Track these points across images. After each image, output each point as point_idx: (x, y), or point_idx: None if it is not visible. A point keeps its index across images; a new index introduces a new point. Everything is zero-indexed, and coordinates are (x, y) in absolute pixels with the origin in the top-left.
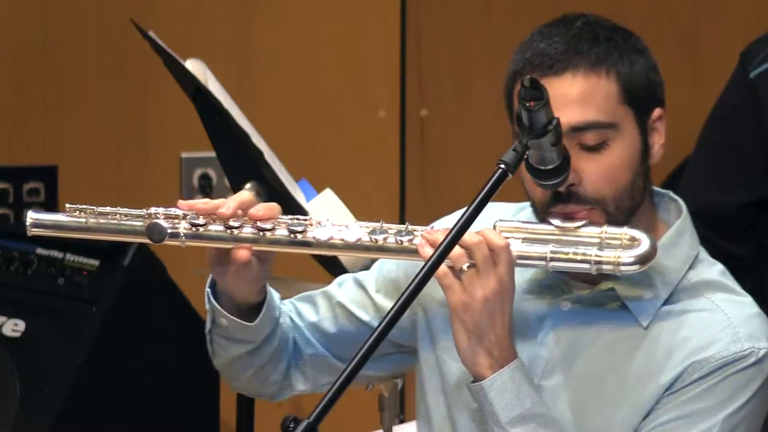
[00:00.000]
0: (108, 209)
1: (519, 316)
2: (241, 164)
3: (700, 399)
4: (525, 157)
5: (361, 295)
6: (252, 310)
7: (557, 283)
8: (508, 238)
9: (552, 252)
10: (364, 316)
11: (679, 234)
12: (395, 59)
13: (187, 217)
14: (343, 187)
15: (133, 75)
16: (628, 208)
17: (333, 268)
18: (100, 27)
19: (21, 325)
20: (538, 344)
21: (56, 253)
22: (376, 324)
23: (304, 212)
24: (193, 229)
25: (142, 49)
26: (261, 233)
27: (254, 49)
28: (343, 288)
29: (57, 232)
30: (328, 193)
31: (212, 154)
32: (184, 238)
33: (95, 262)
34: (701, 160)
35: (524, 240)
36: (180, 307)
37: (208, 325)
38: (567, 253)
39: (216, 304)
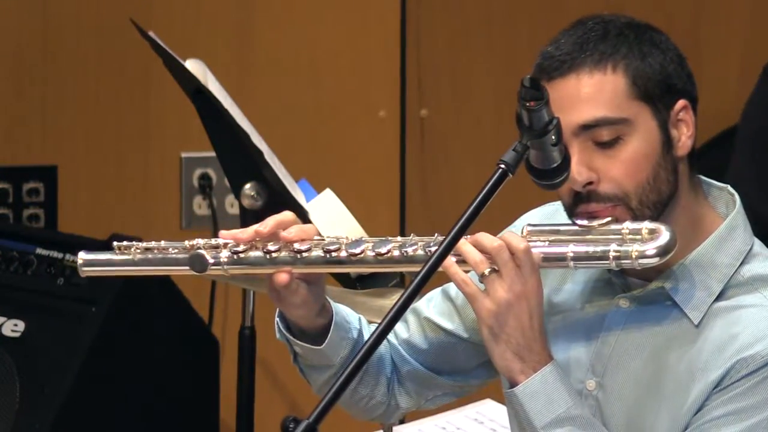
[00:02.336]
0: (153, 243)
1: (583, 315)
2: (241, 164)
3: (748, 396)
4: (525, 157)
5: (447, 304)
6: (321, 332)
7: (618, 282)
8: (532, 241)
9: (573, 251)
10: (449, 326)
11: (731, 228)
12: (395, 59)
13: (228, 245)
14: (342, 188)
15: (133, 75)
16: (655, 201)
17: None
18: (99, 27)
19: (21, 325)
20: (600, 343)
21: (56, 253)
22: (461, 332)
23: (304, 212)
24: (234, 256)
25: (142, 49)
26: (297, 255)
27: (254, 49)
28: (430, 302)
29: (107, 270)
30: (327, 194)
31: (212, 154)
32: (225, 266)
33: None
34: (742, 174)
35: (550, 242)
36: (179, 307)
37: (291, 357)
38: (587, 252)
39: (285, 332)
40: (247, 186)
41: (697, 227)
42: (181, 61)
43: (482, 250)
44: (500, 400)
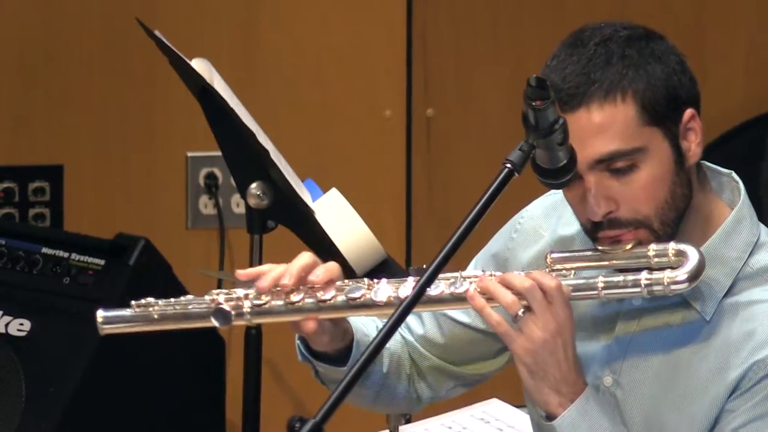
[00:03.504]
0: (172, 300)
1: (596, 311)
2: (247, 163)
3: None
4: (531, 156)
5: None
6: (344, 352)
7: None
8: (557, 270)
9: (603, 282)
10: (466, 319)
11: (737, 221)
12: (401, 59)
13: (249, 296)
14: (349, 187)
15: (139, 74)
16: (674, 219)
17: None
18: (105, 26)
19: (27, 325)
20: (615, 339)
21: (61, 253)
22: (479, 325)
23: (310, 212)
24: (256, 307)
25: (147, 49)
26: (322, 303)
27: (260, 49)
28: None
29: (127, 327)
30: (333, 193)
31: (218, 153)
32: (249, 317)
33: (101, 262)
34: None
35: (576, 270)
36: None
37: (312, 372)
38: (617, 282)
39: (309, 356)
40: (253, 185)
41: (707, 222)
42: (188, 61)
43: (512, 289)
44: (506, 399)
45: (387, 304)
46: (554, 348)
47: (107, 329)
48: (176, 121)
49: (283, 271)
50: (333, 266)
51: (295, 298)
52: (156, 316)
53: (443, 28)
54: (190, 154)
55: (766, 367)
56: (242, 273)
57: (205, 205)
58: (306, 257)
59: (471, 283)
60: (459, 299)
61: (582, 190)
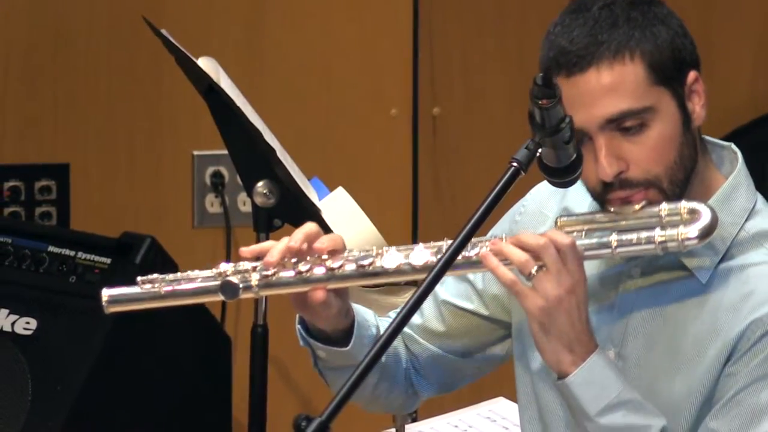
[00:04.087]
0: (179, 275)
1: (596, 285)
2: (253, 162)
3: None
4: (538, 155)
5: (463, 285)
6: (344, 334)
7: None
8: (571, 233)
9: (616, 240)
10: (469, 305)
11: (733, 188)
12: (407, 57)
13: (257, 268)
14: (355, 186)
15: (145, 73)
16: (682, 179)
17: None
18: (111, 25)
19: (33, 323)
20: (616, 312)
21: (68, 251)
22: (482, 311)
23: (316, 210)
24: (264, 279)
25: (154, 47)
26: (331, 271)
27: (266, 48)
28: (442, 285)
29: (134, 305)
30: (340, 192)
31: (224, 151)
32: (257, 289)
33: (107, 260)
34: None
35: (587, 231)
36: (190, 305)
37: (312, 361)
38: (631, 239)
39: (310, 339)
40: (260, 184)
41: (705, 189)
42: (194, 59)
43: (526, 249)
44: (513, 398)
45: (397, 271)
46: (569, 306)
47: (113, 308)
48: (182, 119)
49: (288, 240)
50: (337, 236)
51: (303, 267)
52: (163, 292)
53: (450, 27)
54: (196, 152)
55: (764, 326)
56: (246, 250)
57: (212, 204)
58: (310, 226)
59: (483, 246)
60: (471, 264)
61: (592, 152)
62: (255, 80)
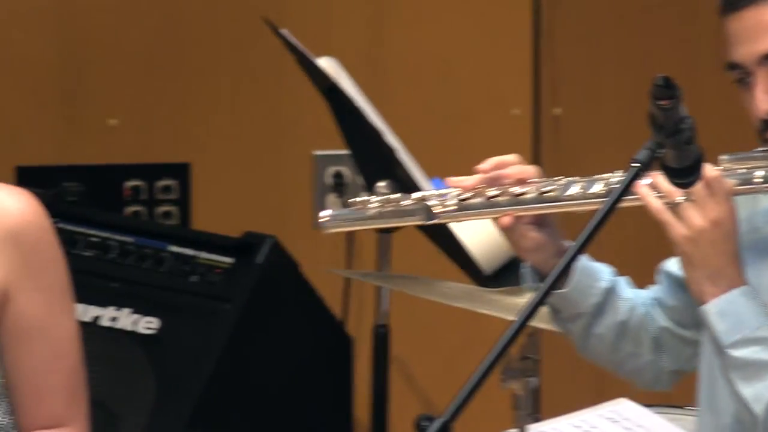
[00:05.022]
0: (385, 197)
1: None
2: (374, 162)
3: None
4: (658, 155)
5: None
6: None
7: None
8: (726, 170)
9: (764, 176)
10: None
11: None
12: (528, 56)
13: (454, 194)
14: None
15: (266, 73)
16: None
17: (468, 267)
18: (232, 25)
19: (155, 323)
20: None
21: (189, 251)
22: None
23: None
24: (459, 203)
25: (274, 48)
26: (515, 197)
27: (386, 48)
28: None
29: (347, 225)
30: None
31: (345, 151)
32: (451, 213)
33: (228, 260)
34: None
35: (748, 170)
36: (313, 304)
37: (553, 318)
38: None
39: (532, 283)
40: (381, 184)
41: None
42: (314, 60)
43: None
44: (637, 399)
45: (572, 199)
46: (714, 238)
47: (331, 226)
48: (303, 119)
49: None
50: (528, 168)
51: (492, 193)
52: (371, 213)
53: (571, 26)
54: (316, 152)
55: None
56: (452, 180)
57: (333, 204)
58: (509, 156)
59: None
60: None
61: (754, 88)
62: (375, 80)
